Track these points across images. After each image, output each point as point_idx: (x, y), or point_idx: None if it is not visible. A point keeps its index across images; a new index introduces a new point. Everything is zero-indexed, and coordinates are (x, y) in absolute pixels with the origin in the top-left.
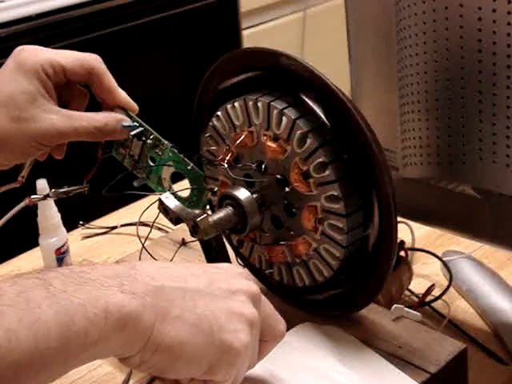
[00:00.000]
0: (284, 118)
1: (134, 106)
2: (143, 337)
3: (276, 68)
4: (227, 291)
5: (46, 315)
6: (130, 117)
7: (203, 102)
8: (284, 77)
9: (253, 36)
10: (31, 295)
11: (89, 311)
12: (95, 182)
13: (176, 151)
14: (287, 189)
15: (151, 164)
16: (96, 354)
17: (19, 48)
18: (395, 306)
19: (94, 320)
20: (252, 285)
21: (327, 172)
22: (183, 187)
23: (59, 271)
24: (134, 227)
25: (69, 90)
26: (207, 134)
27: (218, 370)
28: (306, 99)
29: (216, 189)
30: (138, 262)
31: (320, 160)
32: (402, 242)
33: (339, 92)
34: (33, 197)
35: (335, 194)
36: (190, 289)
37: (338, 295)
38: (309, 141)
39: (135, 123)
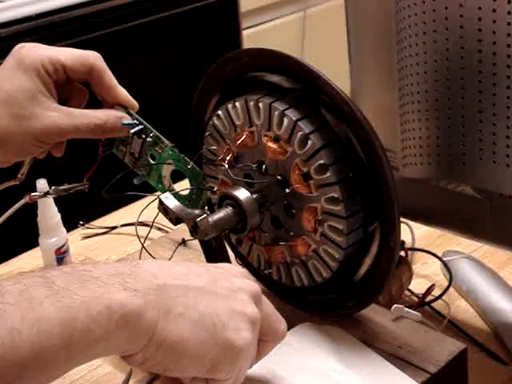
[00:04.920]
0: (285, 119)
1: (135, 103)
2: (146, 334)
3: (276, 68)
4: (229, 290)
5: (49, 313)
6: (130, 114)
7: (203, 101)
8: (285, 77)
9: (253, 36)
10: (34, 293)
11: (91, 309)
12: (95, 182)
13: (176, 150)
14: (287, 190)
15: (151, 162)
16: (99, 352)
17: (19, 45)
18: (395, 305)
19: (96, 318)
20: (253, 284)
21: (328, 174)
22: (183, 186)
23: (62, 269)
24: (134, 227)
25: (69, 87)
26: (207, 133)
27: (221, 368)
28: (308, 100)
29: (216, 188)
30: (140, 260)
31: (321, 162)
32: (402, 242)
33: (341, 92)
34: (33, 194)
35: (335, 196)
36: (192, 287)
37: (338, 295)
38: (310, 142)
39: (135, 121)
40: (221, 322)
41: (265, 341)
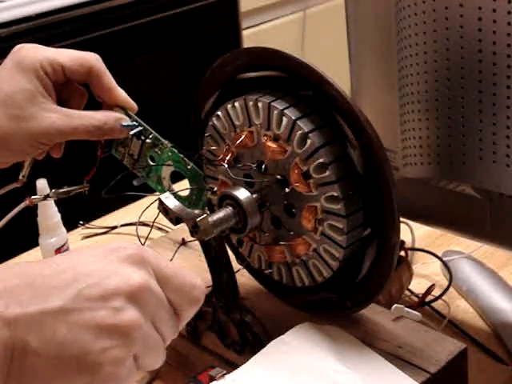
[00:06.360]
0: (284, 119)
1: (134, 105)
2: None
3: (276, 67)
4: (99, 299)
5: None
6: (130, 116)
7: (203, 101)
8: (284, 76)
9: (253, 36)
10: None
11: None
12: (95, 182)
13: (176, 151)
14: (287, 189)
15: (151, 163)
16: None
17: (18, 46)
18: (395, 305)
19: None
20: (135, 277)
21: (327, 173)
22: (183, 187)
23: None
24: (134, 227)
25: (68, 88)
26: (207, 134)
27: None
28: (307, 99)
29: (215, 188)
30: None
31: (320, 160)
32: (402, 242)
33: (341, 90)
34: (33, 197)
35: (335, 194)
36: (50, 311)
37: (338, 295)
38: (309, 141)
39: (134, 122)
40: (83, 349)
41: (181, 310)
